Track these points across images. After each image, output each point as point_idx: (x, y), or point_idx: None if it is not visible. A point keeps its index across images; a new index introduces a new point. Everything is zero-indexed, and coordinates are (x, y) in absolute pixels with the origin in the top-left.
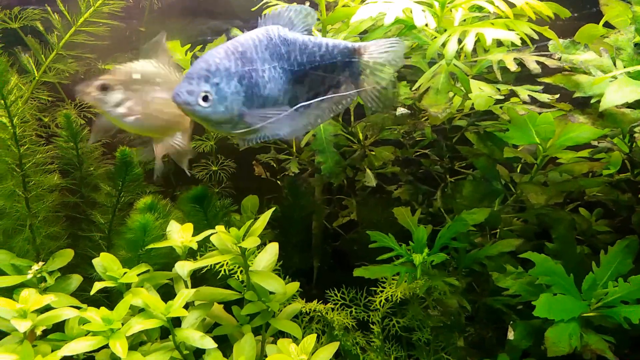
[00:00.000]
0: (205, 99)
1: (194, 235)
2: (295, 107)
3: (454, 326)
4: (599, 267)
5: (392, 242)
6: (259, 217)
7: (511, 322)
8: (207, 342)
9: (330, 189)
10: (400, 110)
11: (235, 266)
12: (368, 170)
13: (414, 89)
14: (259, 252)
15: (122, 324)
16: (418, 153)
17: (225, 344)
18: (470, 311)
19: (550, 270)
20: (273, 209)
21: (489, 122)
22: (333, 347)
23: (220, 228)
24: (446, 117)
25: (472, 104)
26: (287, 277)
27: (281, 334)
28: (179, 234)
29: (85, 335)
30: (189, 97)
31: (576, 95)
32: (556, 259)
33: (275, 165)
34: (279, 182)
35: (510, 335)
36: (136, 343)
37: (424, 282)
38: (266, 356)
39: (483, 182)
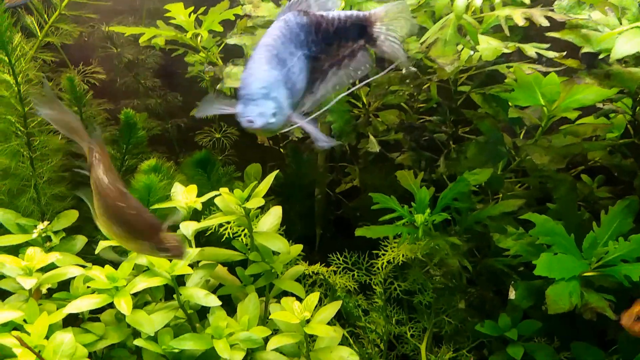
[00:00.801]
0: (274, 114)
1: (197, 197)
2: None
3: (456, 288)
4: (599, 227)
5: (395, 204)
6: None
7: (512, 282)
8: (211, 300)
9: (332, 156)
10: (407, 68)
11: (239, 230)
12: (371, 137)
13: (421, 41)
14: (262, 216)
15: (127, 283)
16: (422, 120)
17: (229, 306)
18: (471, 272)
19: (551, 231)
20: (276, 172)
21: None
22: (335, 305)
23: (224, 189)
24: (454, 71)
25: (477, 65)
26: (291, 242)
27: (285, 296)
28: (183, 195)
29: (90, 294)
30: (262, 119)
31: (584, 50)
32: (557, 220)
33: (278, 133)
34: (282, 150)
35: (512, 295)
36: (141, 303)
37: (425, 242)
38: (269, 316)
39: (487, 145)
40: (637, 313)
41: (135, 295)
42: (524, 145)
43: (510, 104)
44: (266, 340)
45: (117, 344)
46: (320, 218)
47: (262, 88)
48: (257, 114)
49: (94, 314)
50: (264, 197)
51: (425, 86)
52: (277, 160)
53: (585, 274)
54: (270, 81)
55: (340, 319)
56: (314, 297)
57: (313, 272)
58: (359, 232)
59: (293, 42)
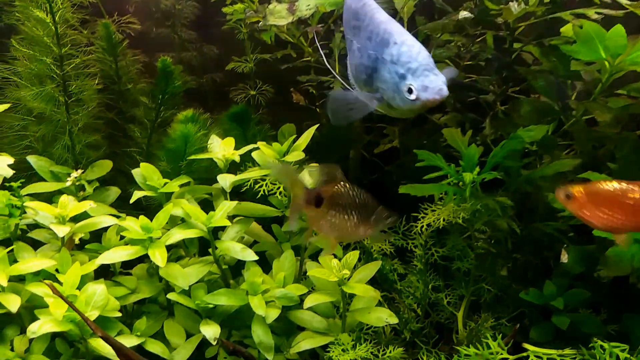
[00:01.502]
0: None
1: (234, 150)
2: None
3: (498, 254)
4: None
5: (441, 161)
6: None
7: (565, 246)
8: (248, 254)
9: (370, 116)
10: (463, 14)
11: (274, 187)
12: None
13: None
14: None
15: (162, 235)
16: (469, 79)
17: (264, 265)
18: (519, 235)
19: None
20: (315, 126)
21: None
22: (375, 265)
23: (262, 143)
24: (520, 12)
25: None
26: None
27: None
28: (221, 147)
29: (124, 245)
30: (445, 87)
31: None
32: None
33: (314, 91)
34: (317, 110)
35: (564, 258)
36: (174, 258)
37: (472, 203)
38: (306, 273)
39: (542, 102)
40: (573, 191)
41: (169, 248)
42: (580, 104)
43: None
44: (302, 299)
45: (148, 299)
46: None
47: (429, 57)
48: (442, 82)
49: (126, 269)
50: None
51: (479, 39)
52: (313, 120)
53: None
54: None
55: (374, 283)
56: (354, 255)
57: None
58: (402, 189)
59: None
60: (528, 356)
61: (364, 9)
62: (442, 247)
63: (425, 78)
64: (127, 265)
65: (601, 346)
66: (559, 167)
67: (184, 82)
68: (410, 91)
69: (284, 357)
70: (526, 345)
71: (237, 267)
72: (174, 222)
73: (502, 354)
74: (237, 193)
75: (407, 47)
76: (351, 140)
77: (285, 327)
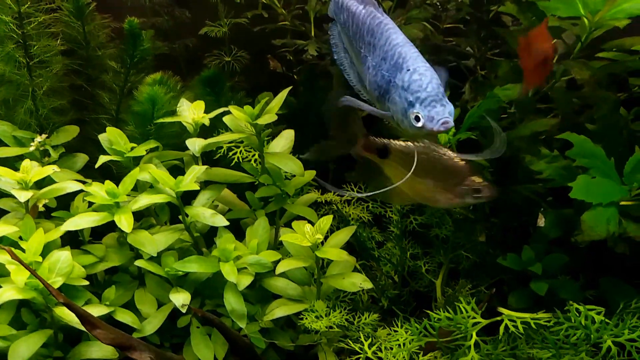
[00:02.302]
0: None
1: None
2: None
3: (476, 220)
4: None
5: None
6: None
7: (542, 209)
8: (219, 220)
9: (349, 83)
10: None
11: (249, 155)
12: None
13: None
14: (273, 141)
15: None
16: (449, 41)
17: (239, 235)
18: (497, 199)
19: (590, 152)
20: (289, 88)
21: None
22: (349, 230)
23: (233, 106)
24: None
25: None
26: None
27: None
28: (190, 111)
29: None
30: (451, 119)
31: None
32: (597, 142)
33: (292, 57)
34: (295, 77)
35: (541, 222)
36: (145, 226)
37: None
38: (281, 242)
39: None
40: None
41: (140, 216)
42: (559, 65)
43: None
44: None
45: (119, 269)
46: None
47: (439, 86)
48: (449, 114)
49: (97, 238)
50: (275, 125)
51: None
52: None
53: (624, 203)
54: (438, 78)
55: (353, 252)
56: (327, 219)
57: (326, 201)
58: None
59: None
60: (502, 321)
61: (380, 28)
62: (421, 215)
63: (432, 109)
64: (100, 235)
65: (577, 309)
66: (535, 127)
67: (156, 47)
68: (417, 119)
69: (258, 325)
70: (501, 309)
71: (211, 236)
72: (145, 189)
73: (475, 318)
74: (211, 161)
75: (418, 76)
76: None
77: (260, 296)
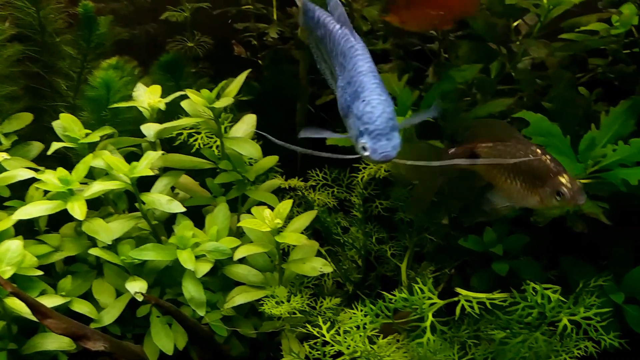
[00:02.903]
0: (401, 143)
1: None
2: None
3: (439, 202)
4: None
5: None
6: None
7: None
8: (175, 206)
9: (314, 67)
10: None
11: (210, 141)
12: None
13: None
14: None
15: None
16: None
17: (200, 221)
18: (459, 181)
19: (546, 131)
20: (248, 71)
21: None
22: (310, 215)
23: (190, 90)
24: None
25: None
26: None
27: None
28: (146, 95)
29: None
30: (395, 151)
31: None
32: (554, 120)
33: (256, 42)
34: (260, 62)
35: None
36: (103, 215)
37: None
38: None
39: (480, 43)
40: None
41: (98, 205)
42: (520, 40)
43: None
44: None
45: (77, 259)
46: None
47: (390, 120)
48: (392, 148)
49: (55, 228)
50: (240, 111)
51: None
52: (255, 73)
53: (580, 180)
54: (392, 110)
55: (319, 238)
56: (287, 204)
57: (290, 187)
58: (330, 141)
59: None
60: (459, 301)
61: (350, 52)
62: (387, 200)
63: (377, 142)
64: (56, 222)
65: (533, 288)
66: (491, 107)
67: (115, 33)
68: (364, 149)
69: (220, 313)
70: (457, 290)
71: (171, 224)
72: (101, 177)
73: (432, 299)
74: (173, 149)
75: (370, 108)
76: (295, 93)
77: (222, 283)
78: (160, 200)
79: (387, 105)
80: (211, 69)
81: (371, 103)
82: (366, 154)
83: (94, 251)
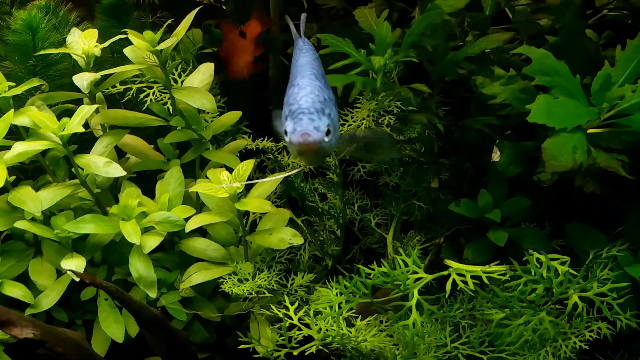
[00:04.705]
0: (328, 132)
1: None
2: None
3: (427, 162)
4: (613, 67)
5: (349, 47)
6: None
7: (497, 142)
8: (113, 169)
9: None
10: None
11: (165, 97)
12: None
13: None
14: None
15: None
16: None
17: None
18: (442, 134)
19: (552, 69)
20: (198, 8)
21: None
22: (274, 180)
23: (131, 31)
24: None
25: None
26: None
27: None
28: (80, 40)
29: None
30: (319, 135)
31: None
32: (559, 57)
33: None
34: (223, 7)
35: (496, 156)
36: (40, 185)
37: (383, 95)
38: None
39: None
40: None
41: (34, 174)
42: None
43: None
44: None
45: (13, 236)
46: (275, 93)
47: (319, 103)
48: (313, 128)
49: None
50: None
51: None
52: (219, 19)
53: (591, 131)
54: (325, 98)
55: (295, 207)
56: (248, 164)
57: (259, 149)
58: None
59: (322, 69)
60: (450, 275)
61: (296, 54)
62: (370, 163)
63: (298, 121)
64: None
65: (537, 259)
66: (485, 44)
67: None
68: (286, 132)
69: (177, 294)
70: (447, 262)
71: (115, 189)
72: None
73: (417, 273)
74: (119, 102)
75: (297, 89)
76: (266, 43)
77: (179, 261)
78: (96, 162)
79: (319, 90)
80: (171, 17)
81: (300, 85)
82: (287, 139)
83: (20, 224)
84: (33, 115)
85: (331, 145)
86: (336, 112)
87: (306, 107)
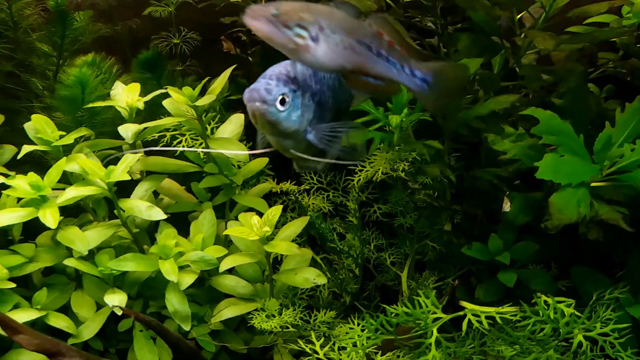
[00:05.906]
0: (282, 102)
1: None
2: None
3: (440, 207)
4: (614, 127)
5: (369, 105)
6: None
7: (507, 193)
8: (155, 213)
9: None
10: None
11: (196, 143)
12: None
13: None
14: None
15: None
16: (407, 16)
17: (186, 228)
18: (454, 183)
19: (557, 129)
20: (233, 67)
21: None
22: (302, 221)
23: (171, 88)
24: None
25: None
26: None
27: None
28: (124, 94)
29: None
30: (267, 96)
31: None
32: (565, 117)
33: (246, 38)
34: (250, 59)
35: (506, 207)
36: (82, 223)
37: (399, 148)
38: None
39: (481, 35)
40: None
41: (77, 213)
42: (525, 30)
43: None
44: None
45: (56, 270)
46: None
47: (284, 74)
48: (264, 89)
49: (33, 237)
50: (227, 111)
51: None
52: (245, 70)
53: (595, 184)
54: (296, 76)
55: (314, 245)
56: (276, 210)
57: (282, 191)
58: None
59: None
60: (465, 315)
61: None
62: (385, 204)
63: (255, 83)
64: (33, 232)
65: (545, 302)
66: (493, 105)
67: (95, 29)
68: None
69: (207, 327)
70: (463, 303)
71: (152, 230)
72: (77, 179)
73: (436, 313)
74: (156, 152)
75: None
76: None
77: (210, 296)
78: (139, 206)
79: (296, 68)
80: (199, 66)
81: (281, 64)
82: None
83: (69, 262)
84: (82, 163)
85: (288, 119)
86: (309, 101)
87: (268, 74)
